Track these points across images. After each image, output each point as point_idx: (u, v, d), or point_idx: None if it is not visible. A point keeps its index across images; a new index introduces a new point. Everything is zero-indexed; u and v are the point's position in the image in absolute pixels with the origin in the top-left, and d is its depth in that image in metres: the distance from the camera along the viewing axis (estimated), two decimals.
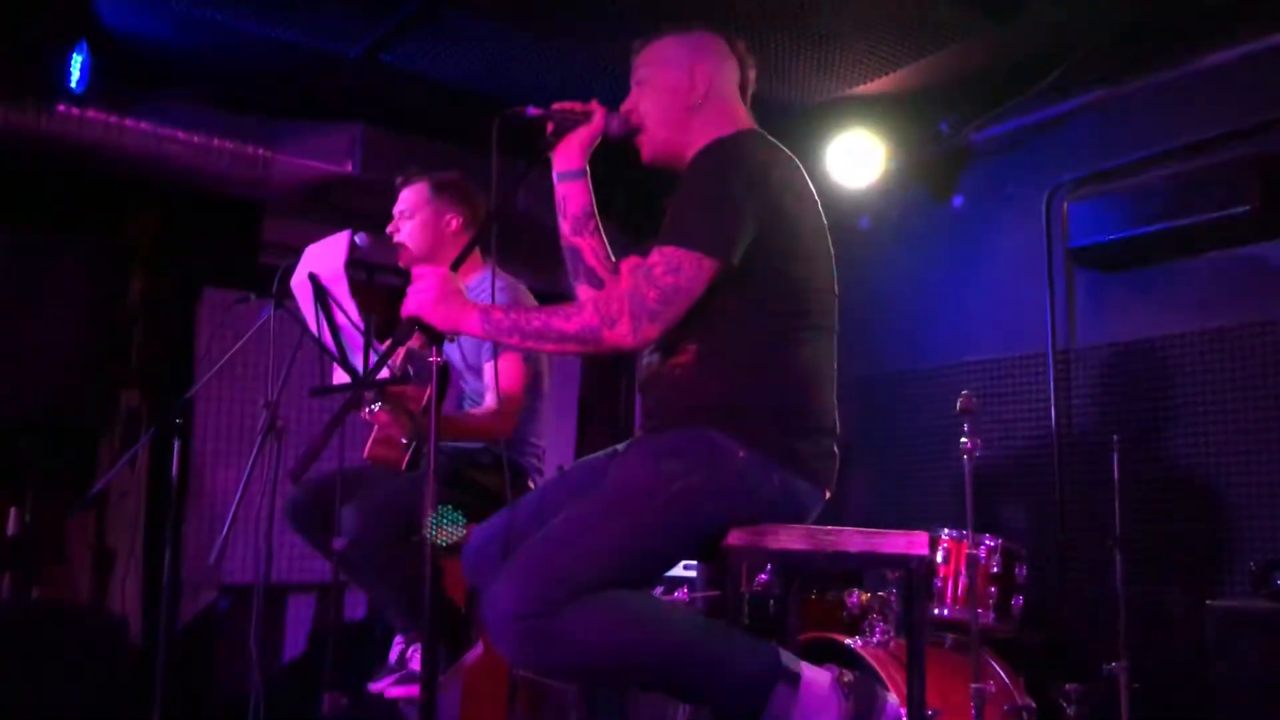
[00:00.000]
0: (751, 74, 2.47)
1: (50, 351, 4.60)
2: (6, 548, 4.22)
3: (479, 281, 3.37)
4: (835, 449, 2.30)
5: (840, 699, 2.08)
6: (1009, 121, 4.53)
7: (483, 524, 2.40)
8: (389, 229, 3.45)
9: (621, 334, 2.11)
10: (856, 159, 4.68)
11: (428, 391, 3.25)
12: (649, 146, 2.40)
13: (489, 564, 2.26)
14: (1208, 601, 3.18)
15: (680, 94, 2.37)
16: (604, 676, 2.06)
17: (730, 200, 2.15)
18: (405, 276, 2.22)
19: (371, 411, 2.79)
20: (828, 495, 2.29)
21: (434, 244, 3.36)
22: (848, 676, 2.14)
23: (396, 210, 3.45)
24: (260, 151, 4.53)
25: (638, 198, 4.90)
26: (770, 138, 2.33)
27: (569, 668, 2.05)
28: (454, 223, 3.39)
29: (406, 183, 3.45)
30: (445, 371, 3.24)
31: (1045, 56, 4.19)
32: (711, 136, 2.29)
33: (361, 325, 2.40)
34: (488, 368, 3.27)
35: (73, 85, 3.92)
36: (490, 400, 3.24)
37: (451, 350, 3.35)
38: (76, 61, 3.91)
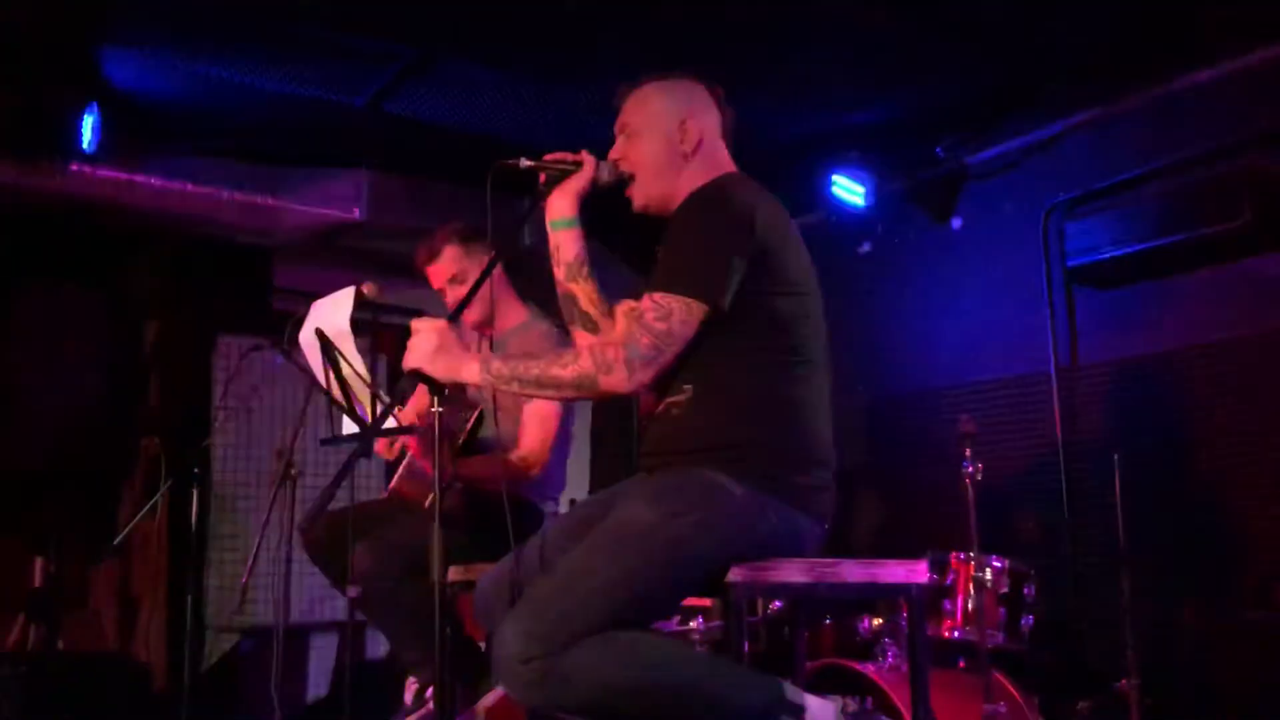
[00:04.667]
0: (730, 119, 2.51)
1: (69, 401, 4.70)
2: (33, 599, 4.29)
3: (523, 324, 3.42)
4: (832, 481, 2.34)
5: None
6: (1004, 143, 4.60)
7: (492, 568, 2.46)
8: (448, 301, 3.44)
9: (617, 380, 2.17)
10: (855, 185, 4.74)
11: (466, 427, 3.32)
12: (640, 195, 2.44)
13: (498, 606, 2.32)
14: (1213, 615, 3.20)
15: (673, 144, 2.41)
16: (611, 716, 2.12)
17: (717, 245, 2.21)
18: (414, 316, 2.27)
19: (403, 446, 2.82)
20: (826, 527, 2.34)
21: (492, 293, 3.37)
22: (852, 707, 2.18)
23: (444, 279, 3.44)
24: (269, 201, 4.64)
25: (644, 238, 4.96)
26: (753, 181, 2.38)
27: (576, 708, 2.09)
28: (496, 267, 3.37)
29: (434, 253, 3.43)
30: (479, 418, 3.30)
31: (1037, 77, 4.25)
32: (698, 183, 2.35)
33: (369, 379, 2.46)
34: (525, 408, 3.29)
35: (84, 145, 4.03)
36: (526, 441, 3.27)
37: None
38: (88, 122, 4.02)
